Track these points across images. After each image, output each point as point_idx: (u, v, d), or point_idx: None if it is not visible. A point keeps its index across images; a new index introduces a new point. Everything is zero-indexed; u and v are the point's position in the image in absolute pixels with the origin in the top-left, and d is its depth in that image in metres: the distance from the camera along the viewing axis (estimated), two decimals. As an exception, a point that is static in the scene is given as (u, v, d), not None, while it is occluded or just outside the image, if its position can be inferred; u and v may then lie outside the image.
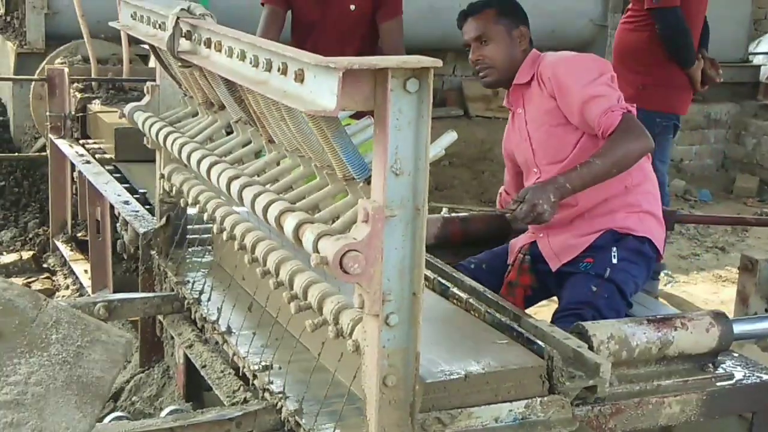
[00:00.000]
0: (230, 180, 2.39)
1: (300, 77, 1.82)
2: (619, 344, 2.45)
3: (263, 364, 2.45)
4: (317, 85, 1.77)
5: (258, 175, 2.44)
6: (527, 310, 3.24)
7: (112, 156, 4.91)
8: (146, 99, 3.27)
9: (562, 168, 3.13)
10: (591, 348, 2.40)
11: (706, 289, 5.89)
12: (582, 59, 3.27)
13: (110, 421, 2.32)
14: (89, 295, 4.51)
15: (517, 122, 3.40)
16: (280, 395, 2.34)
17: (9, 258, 5.52)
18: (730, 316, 2.72)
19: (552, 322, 2.87)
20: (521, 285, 3.30)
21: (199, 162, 2.61)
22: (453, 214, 3.77)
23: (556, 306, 3.26)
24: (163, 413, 2.39)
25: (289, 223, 2.01)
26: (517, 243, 3.39)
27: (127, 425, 2.23)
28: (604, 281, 3.10)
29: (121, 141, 4.83)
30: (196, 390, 3.17)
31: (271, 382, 2.40)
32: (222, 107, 2.81)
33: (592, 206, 3.19)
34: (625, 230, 3.18)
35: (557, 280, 3.26)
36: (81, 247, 5.31)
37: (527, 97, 3.32)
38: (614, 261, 3.12)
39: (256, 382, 2.51)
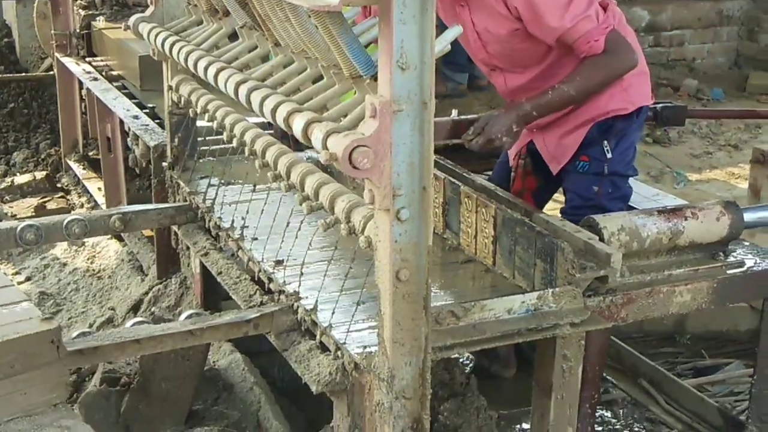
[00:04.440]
0: (237, 84, 2.38)
1: (302, -27, 1.81)
2: (630, 235, 2.46)
3: (276, 259, 2.49)
4: (320, -20, 1.76)
5: (265, 79, 2.43)
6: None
7: (135, 84, 4.72)
8: (150, 10, 3.25)
9: (533, 75, 3.00)
10: (602, 240, 2.42)
11: (719, 187, 5.89)
12: None
13: (131, 326, 2.37)
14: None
15: (460, 14, 3.01)
16: (295, 296, 2.38)
17: (23, 179, 5.57)
18: (743, 209, 2.71)
19: (560, 220, 2.85)
20: (528, 189, 3.25)
21: (206, 69, 2.60)
22: (462, 117, 3.76)
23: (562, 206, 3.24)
24: (182, 317, 2.44)
25: (298, 123, 2.02)
26: (513, 148, 3.25)
27: (148, 328, 2.28)
28: (603, 178, 3.05)
29: (146, 69, 4.46)
30: (214, 299, 3.23)
31: (287, 283, 2.44)
32: (226, 13, 2.79)
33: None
34: (612, 113, 3.04)
35: (560, 176, 3.21)
36: (93, 165, 5.34)
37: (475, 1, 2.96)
38: (609, 155, 3.05)
39: (271, 285, 2.56)
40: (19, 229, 2.88)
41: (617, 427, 3.34)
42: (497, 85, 3.21)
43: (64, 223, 2.96)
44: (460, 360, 3.45)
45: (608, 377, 3.45)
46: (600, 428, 3.24)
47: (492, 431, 2.68)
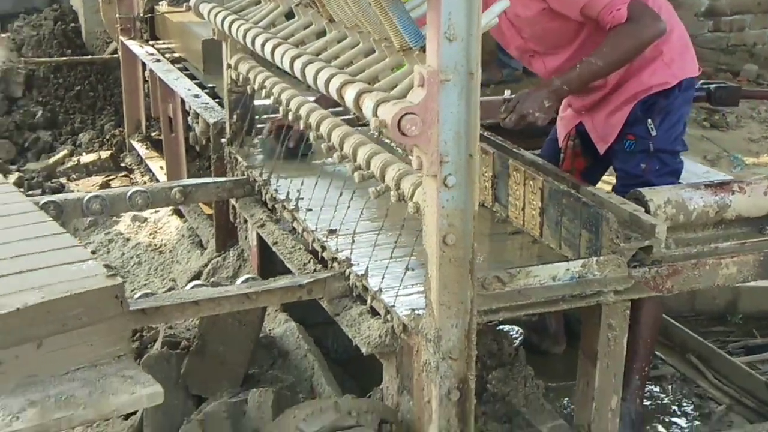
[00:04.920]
0: (293, 59, 2.47)
1: (354, -52, 1.88)
2: (677, 208, 2.50)
3: (329, 228, 2.58)
4: (371, -46, 1.83)
5: (319, 54, 2.52)
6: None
7: (198, 67, 4.78)
8: (211, -10, 3.34)
9: (569, 54, 3.04)
10: (648, 212, 2.46)
11: (777, 172, 5.84)
12: None
13: (190, 288, 2.48)
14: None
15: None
16: (347, 262, 2.46)
17: (88, 158, 5.76)
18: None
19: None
20: (576, 170, 3.27)
21: (263, 45, 2.70)
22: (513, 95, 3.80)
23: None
24: (239, 281, 2.53)
25: (350, 93, 2.09)
26: (562, 127, 3.33)
27: (207, 291, 2.38)
28: (650, 155, 3.07)
29: (209, 53, 4.43)
30: (270, 269, 3.32)
31: (339, 251, 2.53)
32: (283, -8, 2.88)
33: (620, 77, 3.08)
34: (655, 89, 3.06)
35: (608, 156, 3.25)
36: (156, 145, 5.50)
37: None
38: (653, 133, 3.06)
39: (324, 253, 2.65)
40: (85, 199, 3.02)
41: (665, 402, 3.36)
42: (538, 71, 3.26)
43: (128, 194, 3.09)
44: (510, 333, 3.51)
45: (658, 353, 3.48)
46: (648, 402, 3.28)
47: (539, 399, 2.74)
